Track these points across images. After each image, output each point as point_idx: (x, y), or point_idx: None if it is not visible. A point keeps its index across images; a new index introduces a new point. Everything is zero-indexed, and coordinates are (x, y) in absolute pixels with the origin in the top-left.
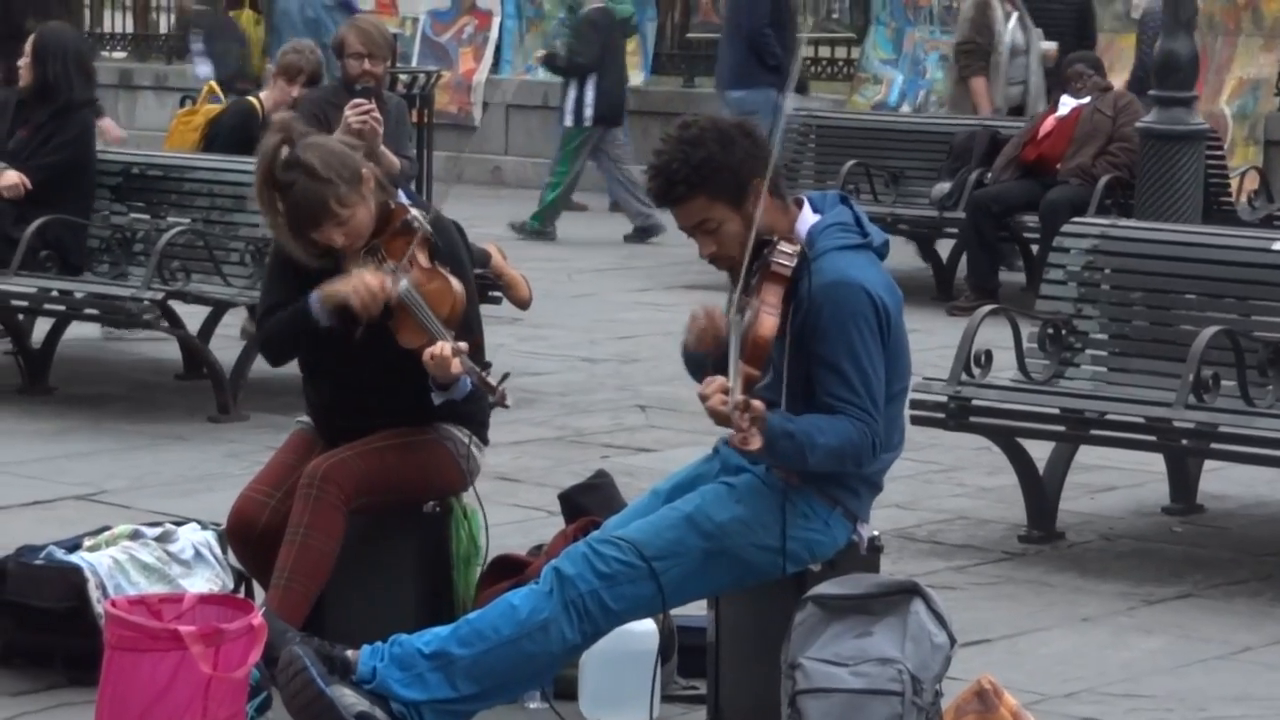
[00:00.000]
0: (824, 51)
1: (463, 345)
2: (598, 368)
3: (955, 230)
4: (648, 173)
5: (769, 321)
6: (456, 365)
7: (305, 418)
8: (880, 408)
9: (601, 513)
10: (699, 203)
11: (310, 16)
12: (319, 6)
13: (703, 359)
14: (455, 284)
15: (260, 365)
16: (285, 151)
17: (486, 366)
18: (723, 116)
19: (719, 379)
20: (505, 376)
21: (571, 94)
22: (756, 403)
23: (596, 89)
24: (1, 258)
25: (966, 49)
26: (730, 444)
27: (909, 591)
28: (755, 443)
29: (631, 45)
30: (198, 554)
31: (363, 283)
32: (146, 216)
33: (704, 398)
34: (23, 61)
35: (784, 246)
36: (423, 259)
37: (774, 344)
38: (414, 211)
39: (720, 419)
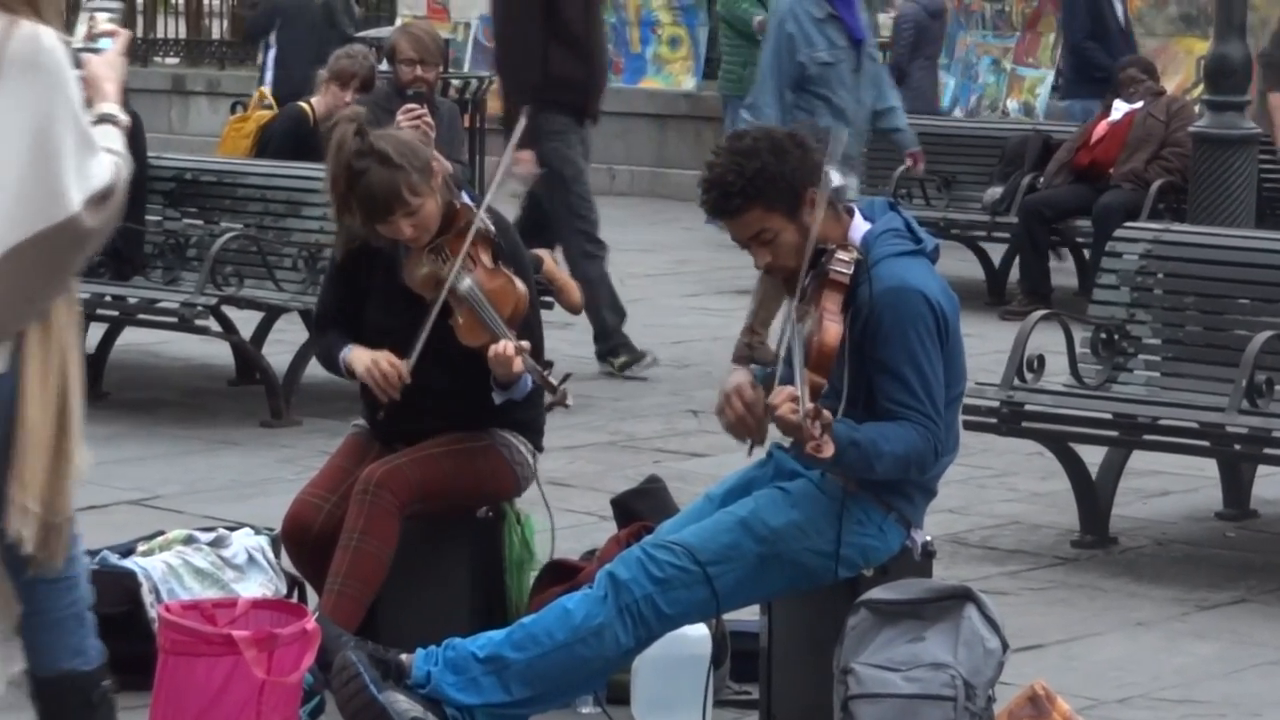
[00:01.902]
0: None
1: (525, 344)
2: (651, 373)
3: (1007, 235)
4: (701, 185)
5: (834, 329)
6: (519, 363)
7: (360, 422)
8: (941, 413)
9: (654, 518)
10: (755, 214)
11: None
12: None
13: (761, 370)
14: (518, 284)
15: (313, 370)
16: (359, 140)
17: (548, 366)
18: (774, 126)
19: (787, 389)
20: (567, 376)
21: None
22: (826, 412)
23: None
24: None
25: (1268, 62)
26: (803, 453)
27: (962, 597)
28: (829, 450)
29: (684, 51)
30: (251, 559)
31: (375, 365)
32: (200, 222)
33: (773, 407)
34: None
35: (841, 254)
36: (486, 259)
37: None
38: (478, 212)
39: (790, 428)
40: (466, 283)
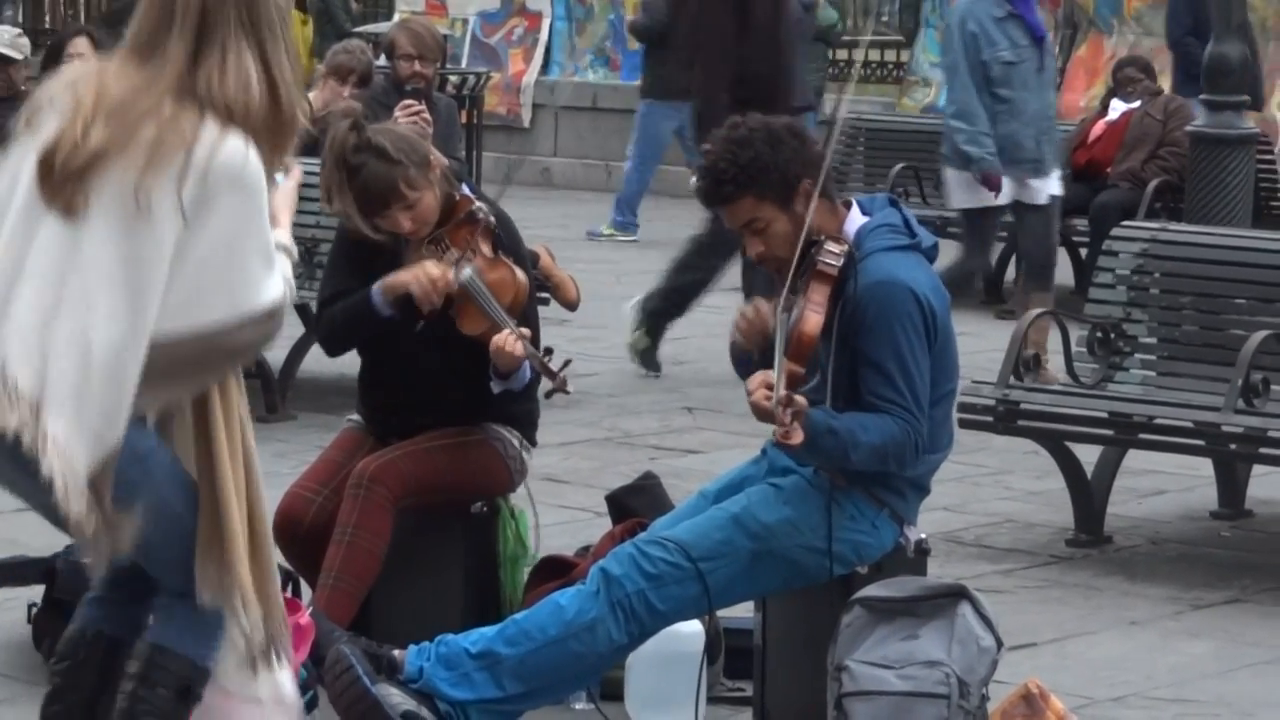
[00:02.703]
0: (874, 54)
1: (525, 331)
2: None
3: (1003, 234)
4: (696, 173)
5: (814, 319)
6: (520, 349)
7: (355, 416)
8: (924, 408)
9: (649, 514)
10: (747, 202)
11: None
12: None
13: (750, 359)
14: (518, 273)
15: (308, 365)
16: (355, 136)
17: (548, 353)
18: (773, 117)
19: (761, 375)
20: (567, 363)
21: None
22: (800, 398)
23: None
24: None
25: None
26: (774, 440)
27: (956, 595)
28: (797, 437)
29: None
30: None
31: (424, 272)
32: None
33: (749, 393)
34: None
35: (831, 246)
36: (486, 249)
37: (820, 343)
38: (478, 203)
39: (763, 414)
40: (467, 272)
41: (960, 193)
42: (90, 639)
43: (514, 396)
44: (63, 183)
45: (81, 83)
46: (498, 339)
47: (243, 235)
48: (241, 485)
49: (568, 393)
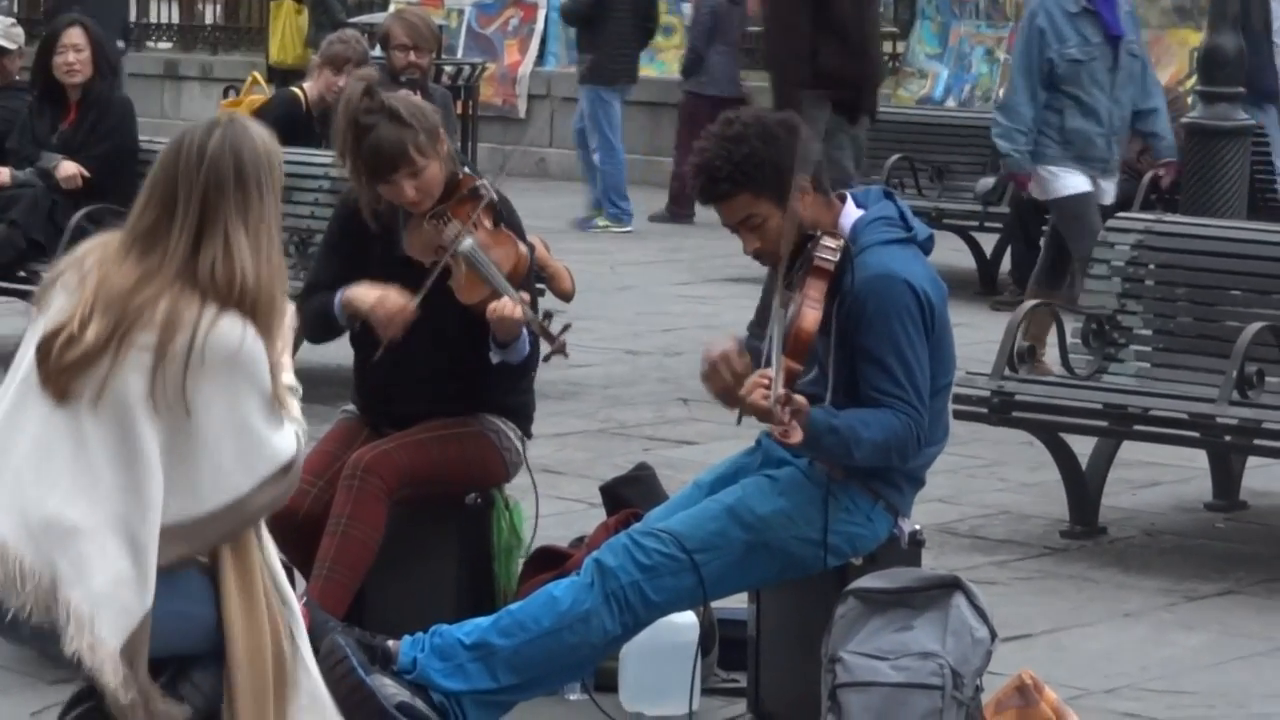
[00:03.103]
0: None
1: (525, 296)
2: (640, 360)
3: (999, 225)
4: (690, 170)
5: (811, 315)
6: (519, 313)
7: (350, 407)
8: (925, 401)
9: (643, 505)
10: (743, 199)
11: None
12: None
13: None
14: (520, 245)
15: (304, 355)
16: (369, 98)
17: (547, 317)
18: (766, 112)
19: (758, 374)
20: (566, 327)
21: None
22: (798, 397)
23: None
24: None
25: None
26: (772, 438)
27: (950, 586)
28: (795, 436)
29: (677, 39)
30: None
31: (385, 303)
32: None
33: (745, 394)
34: (78, 55)
35: (827, 241)
36: (487, 223)
37: (818, 339)
38: (481, 180)
39: (761, 414)
40: (468, 242)
41: (1047, 184)
42: None
43: (510, 387)
44: (58, 373)
45: (88, 266)
46: (497, 304)
47: (247, 408)
48: (264, 638)
49: (566, 356)
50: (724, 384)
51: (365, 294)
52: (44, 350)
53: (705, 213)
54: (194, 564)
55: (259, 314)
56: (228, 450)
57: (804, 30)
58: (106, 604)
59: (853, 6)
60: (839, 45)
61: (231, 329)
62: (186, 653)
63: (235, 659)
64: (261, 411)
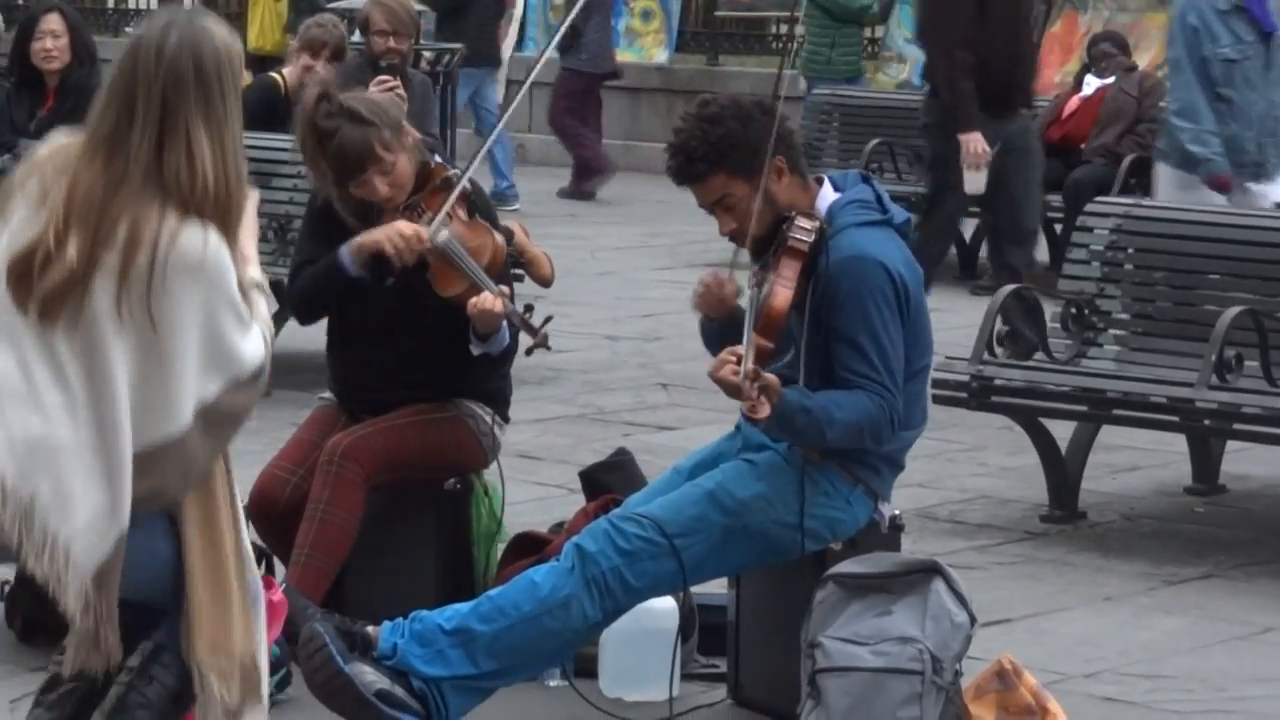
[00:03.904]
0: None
1: (505, 289)
2: (620, 346)
3: (978, 210)
4: (667, 150)
5: (783, 294)
6: (500, 306)
7: (327, 394)
8: (899, 383)
9: (623, 490)
10: (718, 180)
11: None
12: None
13: (721, 335)
14: (496, 235)
15: (282, 342)
16: (326, 102)
17: (528, 309)
18: (741, 94)
19: (730, 350)
20: (548, 319)
21: None
22: (768, 375)
23: None
24: None
25: None
26: (744, 415)
27: (930, 571)
28: (763, 411)
29: (655, 24)
30: None
31: (396, 230)
32: None
33: (715, 370)
34: (55, 41)
35: (802, 221)
36: (462, 213)
37: (792, 319)
38: (452, 170)
39: (730, 388)
40: (444, 235)
41: (1171, 190)
42: None
43: (487, 373)
44: (44, 297)
45: (50, 174)
46: (477, 299)
47: (215, 319)
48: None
49: (549, 348)
50: (705, 283)
51: (375, 230)
52: (20, 270)
53: (683, 195)
54: (161, 510)
55: (221, 214)
56: (196, 362)
57: (966, 21)
58: (84, 530)
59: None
60: (991, 37)
61: (193, 241)
62: (150, 597)
63: (195, 599)
64: (229, 320)
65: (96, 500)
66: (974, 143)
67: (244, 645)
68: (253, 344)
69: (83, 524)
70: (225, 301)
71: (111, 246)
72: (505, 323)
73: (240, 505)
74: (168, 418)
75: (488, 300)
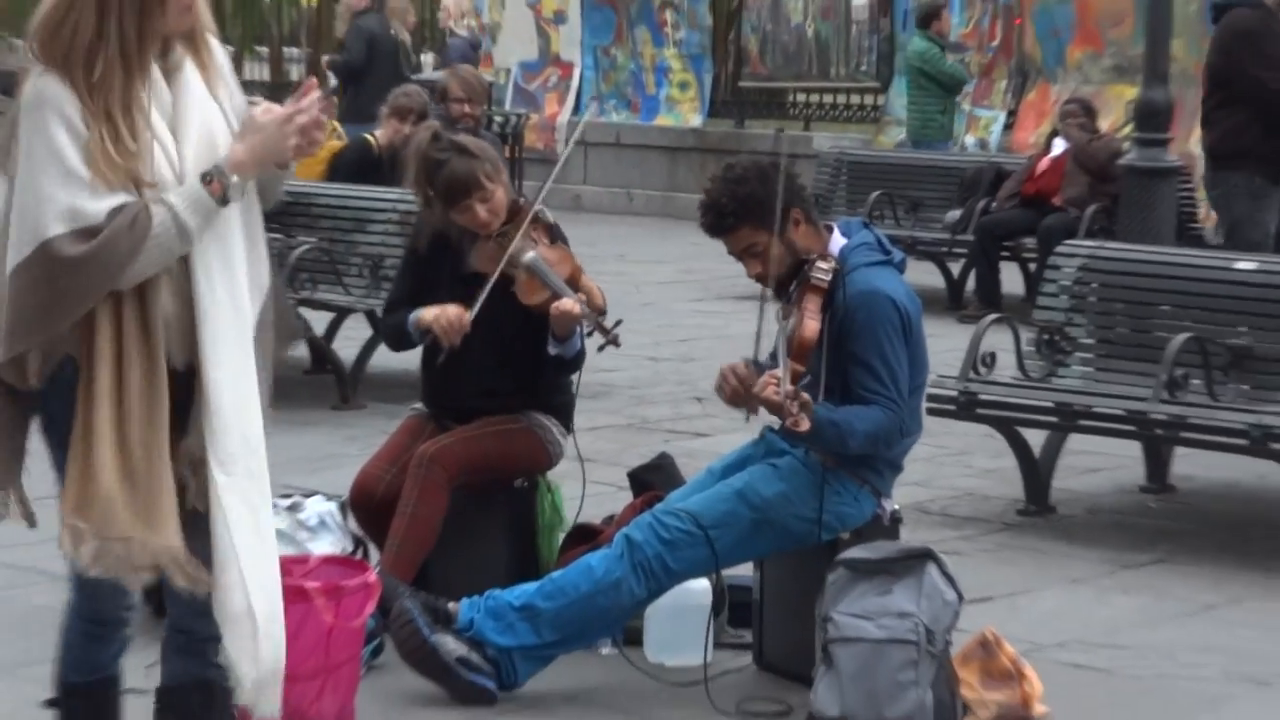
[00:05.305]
0: (855, 99)
1: (582, 295)
2: (660, 366)
3: (965, 251)
4: (699, 208)
5: (813, 325)
6: (577, 309)
7: (418, 405)
8: (905, 397)
9: (664, 488)
10: (744, 231)
11: None
12: None
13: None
14: (572, 255)
15: (376, 361)
16: (436, 140)
17: (601, 314)
18: (760, 158)
19: (770, 374)
20: (618, 322)
21: None
22: (805, 394)
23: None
24: None
25: None
26: (784, 428)
27: (924, 556)
28: (804, 424)
29: (691, 93)
30: (322, 522)
31: (445, 315)
32: (280, 235)
33: (759, 391)
34: None
35: (821, 264)
36: (544, 239)
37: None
38: (538, 206)
39: (773, 407)
40: (531, 254)
41: None
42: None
43: (554, 389)
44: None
45: None
46: (559, 303)
47: (35, 159)
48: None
49: (619, 345)
50: (732, 389)
51: (428, 310)
52: None
53: (713, 240)
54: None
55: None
56: (17, 198)
57: None
58: None
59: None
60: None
61: (37, 79)
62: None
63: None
64: (52, 166)
65: None
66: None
67: (131, 526)
68: (92, 204)
69: None
70: (47, 145)
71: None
72: (579, 329)
73: (158, 394)
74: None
75: (567, 304)
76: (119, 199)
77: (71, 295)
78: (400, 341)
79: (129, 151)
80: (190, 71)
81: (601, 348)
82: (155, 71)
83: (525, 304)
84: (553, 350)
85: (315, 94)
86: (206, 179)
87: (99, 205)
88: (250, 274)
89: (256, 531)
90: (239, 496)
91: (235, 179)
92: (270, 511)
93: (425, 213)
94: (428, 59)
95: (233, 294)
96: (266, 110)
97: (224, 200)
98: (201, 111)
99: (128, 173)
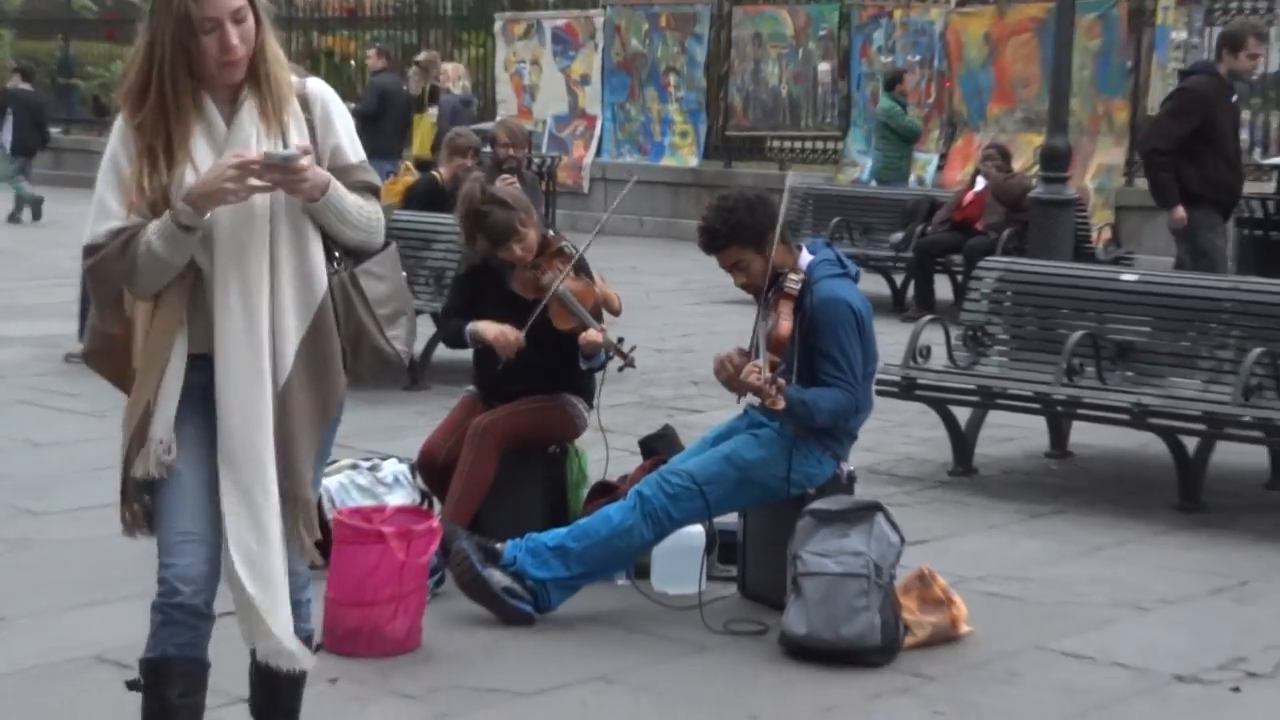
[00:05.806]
0: (820, 144)
1: (604, 326)
2: (665, 356)
3: (906, 265)
4: (697, 230)
5: (786, 325)
6: (600, 338)
7: (472, 387)
8: (859, 381)
9: (667, 453)
10: (733, 250)
11: None
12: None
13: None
14: (595, 288)
15: (439, 354)
16: (482, 193)
17: (620, 340)
18: (747, 188)
19: (754, 363)
20: (634, 348)
21: None
22: (780, 379)
23: None
24: None
25: None
26: (764, 406)
27: (873, 507)
28: (781, 404)
29: (690, 140)
30: (396, 480)
31: (504, 336)
32: None
33: (744, 377)
34: None
35: (793, 276)
36: (573, 274)
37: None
38: (564, 241)
39: (756, 390)
40: (563, 289)
41: None
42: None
43: (579, 376)
44: None
45: None
46: (586, 334)
47: (98, 175)
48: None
49: (634, 366)
50: (728, 374)
51: (488, 328)
52: None
53: (708, 257)
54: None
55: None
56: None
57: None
58: None
59: (1231, 129)
60: (1222, 160)
61: (117, 118)
62: None
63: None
64: (99, 191)
65: None
66: None
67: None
68: (95, 225)
69: None
70: (102, 167)
71: None
72: (603, 352)
73: (178, 339)
74: None
75: (593, 334)
76: (121, 223)
77: (95, 292)
78: (456, 343)
79: (160, 182)
80: (247, 112)
81: (621, 368)
82: (211, 111)
83: (558, 329)
84: (584, 366)
85: (286, 153)
86: (173, 209)
87: (105, 226)
88: (293, 289)
89: (256, 527)
90: (239, 495)
91: (182, 206)
92: (275, 511)
93: (471, 249)
94: (433, 111)
95: (246, 304)
96: (234, 156)
97: (183, 227)
98: (245, 147)
99: (154, 200)
